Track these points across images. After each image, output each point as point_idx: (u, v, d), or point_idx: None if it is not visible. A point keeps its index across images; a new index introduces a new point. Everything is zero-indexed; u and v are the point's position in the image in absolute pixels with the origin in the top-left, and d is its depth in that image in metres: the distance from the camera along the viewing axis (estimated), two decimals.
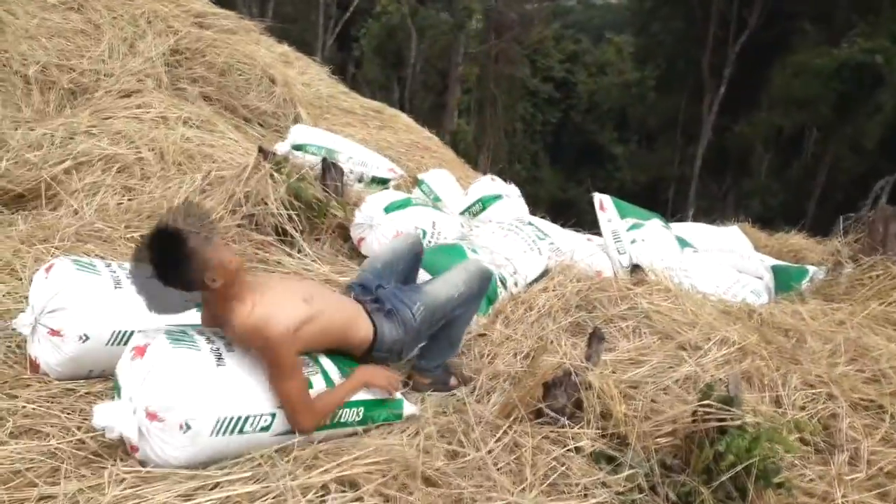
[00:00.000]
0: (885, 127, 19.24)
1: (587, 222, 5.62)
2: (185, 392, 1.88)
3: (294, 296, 2.16)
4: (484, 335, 3.05)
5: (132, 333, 2.24)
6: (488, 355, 2.90)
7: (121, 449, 1.96)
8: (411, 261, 2.80)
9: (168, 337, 2.01)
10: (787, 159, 22.87)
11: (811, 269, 4.65)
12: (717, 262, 4.48)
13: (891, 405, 2.53)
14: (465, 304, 2.60)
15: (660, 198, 23.49)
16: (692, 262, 4.19)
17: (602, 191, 4.53)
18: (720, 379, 2.54)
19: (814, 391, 2.58)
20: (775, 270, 4.83)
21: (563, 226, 4.66)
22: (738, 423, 1.99)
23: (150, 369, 1.92)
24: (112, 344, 2.28)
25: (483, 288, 2.66)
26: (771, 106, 22.53)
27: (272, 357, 1.99)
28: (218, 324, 2.11)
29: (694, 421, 2.08)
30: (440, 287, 2.58)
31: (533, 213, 5.18)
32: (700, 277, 4.06)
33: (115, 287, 2.36)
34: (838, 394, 2.56)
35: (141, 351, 1.98)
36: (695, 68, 23.37)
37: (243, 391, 1.98)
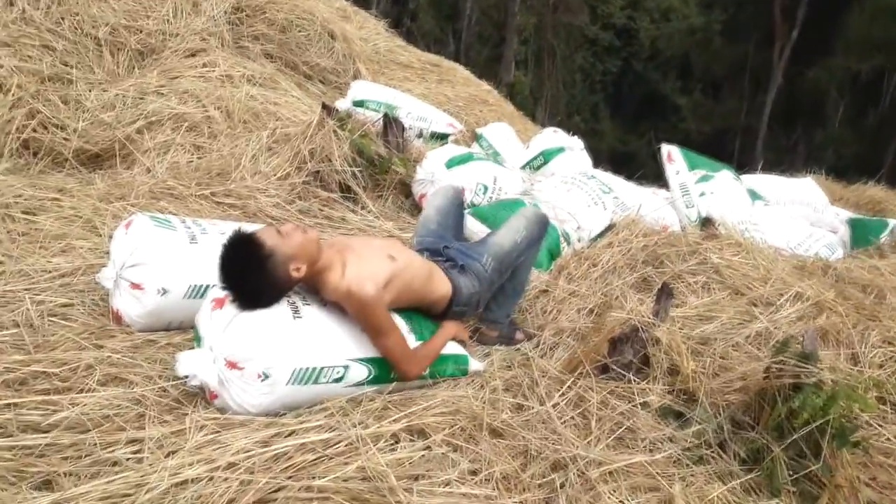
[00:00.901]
0: None
1: (650, 175, 5.48)
2: (263, 343, 1.95)
3: (379, 252, 2.23)
4: (546, 291, 3.04)
5: (208, 287, 2.33)
6: (552, 311, 2.89)
7: (201, 397, 2.05)
8: (458, 214, 2.87)
9: None
10: (864, 107, 21.62)
11: (891, 222, 4.44)
12: (790, 216, 4.33)
13: None
14: (527, 248, 2.65)
15: (726, 149, 22.61)
16: (764, 216, 4.05)
17: (665, 143, 4.41)
18: (794, 335, 2.47)
19: (893, 349, 2.48)
20: (852, 224, 4.62)
21: (626, 179, 4.57)
22: (814, 380, 1.94)
23: (229, 320, 2.00)
24: (189, 297, 2.37)
25: (542, 232, 2.71)
26: (847, 50, 21.22)
27: (368, 317, 2.07)
28: (313, 290, 2.19)
29: (766, 377, 2.03)
30: (503, 236, 2.62)
31: (595, 166, 5.09)
32: (772, 231, 3.92)
33: (191, 242, 2.44)
34: None
35: (221, 302, 2.06)
36: (765, 11, 22.15)
37: (318, 343, 2.04)
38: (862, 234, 4.36)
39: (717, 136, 24.72)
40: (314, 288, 2.15)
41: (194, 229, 2.50)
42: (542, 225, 2.72)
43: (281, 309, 2.05)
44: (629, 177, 4.91)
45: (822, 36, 20.89)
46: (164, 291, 2.34)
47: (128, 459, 1.75)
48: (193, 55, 4.88)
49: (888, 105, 20.88)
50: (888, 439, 2.14)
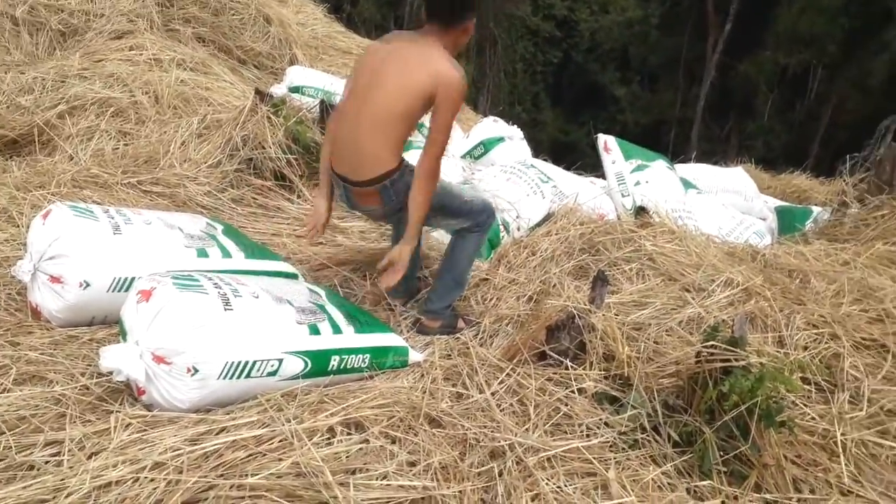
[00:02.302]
0: (891, 65, 18.82)
1: (589, 165, 5.55)
2: (192, 336, 1.88)
3: None
4: (487, 279, 3.04)
5: (133, 280, 2.23)
6: (492, 299, 2.90)
7: (127, 394, 1.96)
8: None
9: (175, 281, 2.00)
10: (791, 99, 22.47)
11: (815, 209, 4.63)
12: (721, 204, 4.45)
13: (894, 345, 2.54)
14: (469, 216, 2.64)
15: (662, 140, 23.18)
16: (696, 204, 4.15)
17: (604, 133, 4.46)
18: (724, 320, 2.54)
19: (817, 331, 2.58)
20: (779, 211, 4.80)
21: (565, 169, 4.60)
22: (743, 363, 1.99)
23: (156, 312, 1.91)
24: (113, 290, 2.27)
25: (487, 221, 2.69)
26: (776, 44, 22.00)
27: (456, 106, 2.35)
28: None
29: (698, 362, 2.08)
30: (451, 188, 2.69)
31: (535, 155, 5.11)
32: (704, 219, 4.03)
33: (115, 233, 2.33)
34: (841, 334, 2.56)
35: (147, 294, 1.97)
36: (699, 6, 22.74)
37: (251, 336, 1.97)
38: (788, 222, 4.53)
39: (654, 126, 25.32)
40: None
41: (118, 219, 2.39)
42: (489, 212, 2.70)
43: (211, 300, 1.97)
44: (569, 166, 4.96)
45: (753, 30, 21.60)
46: (86, 285, 2.23)
47: (46, 463, 1.66)
48: (120, 37, 4.69)
49: (814, 99, 21.76)
50: (812, 418, 2.22)
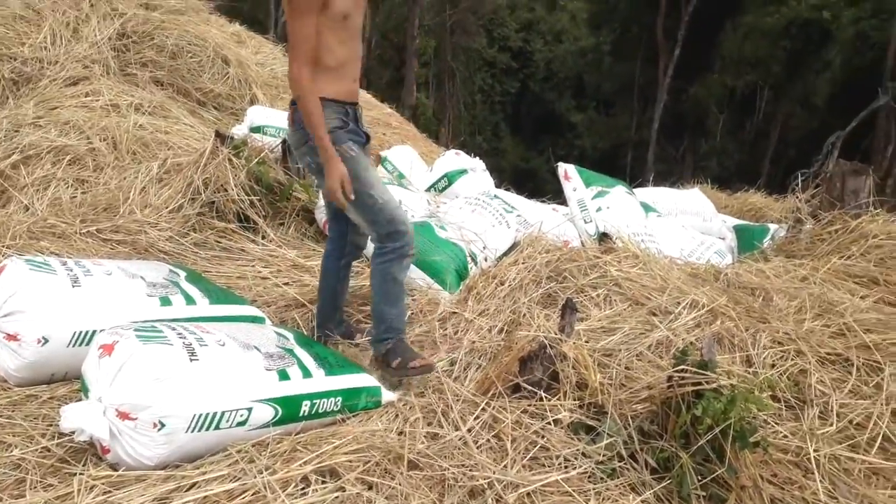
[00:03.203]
0: (833, 83, 19.61)
1: (551, 191, 5.62)
2: (158, 389, 1.82)
3: None
4: (456, 313, 3.03)
5: (94, 333, 2.17)
6: (463, 331, 2.88)
7: (91, 453, 1.89)
8: None
9: (137, 333, 1.95)
10: (741, 120, 23.20)
11: (772, 227, 4.74)
12: (681, 226, 4.53)
13: (857, 358, 2.59)
14: (373, 224, 2.41)
15: (619, 163, 23.65)
16: (657, 227, 4.22)
17: (563, 159, 4.54)
18: (692, 343, 2.56)
19: (783, 348, 2.62)
20: (737, 230, 4.90)
21: (527, 197, 4.65)
22: (714, 386, 2.01)
23: (120, 367, 1.86)
24: (74, 345, 2.20)
25: (397, 250, 2.39)
26: (724, 67, 22.79)
27: (292, 7, 2.18)
28: None
29: (670, 387, 2.09)
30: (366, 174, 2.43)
31: (497, 184, 5.17)
32: (665, 241, 4.10)
33: (73, 285, 2.27)
34: (806, 350, 2.61)
35: (109, 349, 1.91)
36: (649, 32, 23.45)
37: (218, 386, 1.93)
38: (747, 240, 4.62)
39: (612, 150, 25.85)
40: None
41: (77, 271, 2.33)
42: (396, 238, 2.39)
43: (176, 351, 1.93)
44: (532, 194, 5.01)
45: (702, 54, 22.32)
46: (45, 341, 2.16)
47: None
48: (75, 84, 4.63)
49: (762, 118, 22.49)
50: (784, 436, 2.24)
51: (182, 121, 4.67)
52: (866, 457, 2.21)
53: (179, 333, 2.02)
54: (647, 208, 4.58)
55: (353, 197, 2.32)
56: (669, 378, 2.11)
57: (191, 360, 1.93)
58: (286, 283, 3.11)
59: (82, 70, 4.77)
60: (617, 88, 26.91)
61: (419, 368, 2.39)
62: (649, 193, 5.29)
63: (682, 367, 2.07)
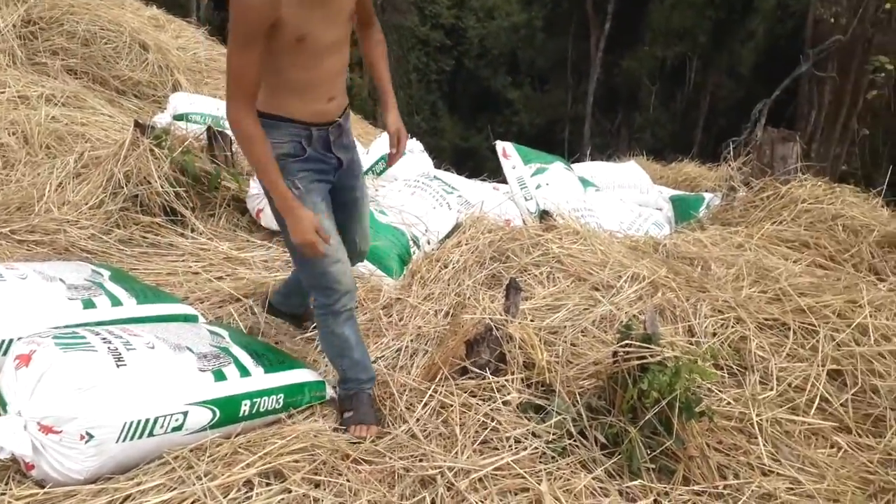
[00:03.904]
0: (757, 53, 20.22)
1: (490, 169, 5.58)
2: (82, 399, 1.70)
3: None
4: (400, 299, 2.97)
5: (9, 343, 2.02)
6: (408, 317, 2.83)
7: (14, 470, 1.77)
8: None
9: (56, 340, 1.82)
10: (673, 91, 23.70)
11: (707, 195, 4.84)
12: (619, 199, 4.58)
13: (793, 322, 2.66)
14: (304, 272, 2.20)
15: (557, 138, 23.88)
16: (596, 202, 4.25)
17: (501, 136, 4.51)
18: (635, 316, 2.58)
19: (723, 317, 2.66)
20: (674, 200, 4.99)
21: (468, 176, 4.61)
22: (658, 359, 2.01)
23: (39, 378, 1.73)
24: None
25: (328, 289, 2.14)
26: (653, 39, 23.17)
27: (234, 16, 1.76)
28: None
29: (615, 362, 2.09)
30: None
31: (437, 164, 5.10)
32: (604, 215, 4.13)
33: None
34: (745, 317, 2.66)
35: (26, 359, 1.78)
36: (579, 7, 23.61)
37: (149, 391, 1.82)
38: (684, 210, 4.71)
39: (549, 126, 26.05)
40: None
41: None
42: (336, 298, 2.15)
43: (100, 357, 1.81)
44: (473, 173, 4.97)
45: (632, 27, 22.64)
46: None
47: None
48: None
49: (692, 89, 23.03)
50: (728, 403, 2.28)
51: (99, 111, 4.41)
52: (805, 418, 2.27)
53: (104, 338, 1.89)
54: (585, 183, 4.61)
55: (331, 244, 2.04)
56: (615, 353, 2.11)
57: (118, 365, 1.81)
58: (220, 278, 2.98)
59: None
60: (551, 64, 27.07)
61: (355, 436, 2.07)
62: (587, 168, 5.33)
63: (626, 341, 2.07)
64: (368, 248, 2.49)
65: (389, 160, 2.37)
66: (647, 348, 2.02)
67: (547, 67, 27.62)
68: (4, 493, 1.67)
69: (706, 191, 5.52)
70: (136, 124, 3.49)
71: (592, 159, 6.94)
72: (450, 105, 28.11)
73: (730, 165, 4.84)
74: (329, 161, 2.12)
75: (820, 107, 11.61)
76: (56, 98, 4.31)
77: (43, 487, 1.70)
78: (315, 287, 2.17)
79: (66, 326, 2.11)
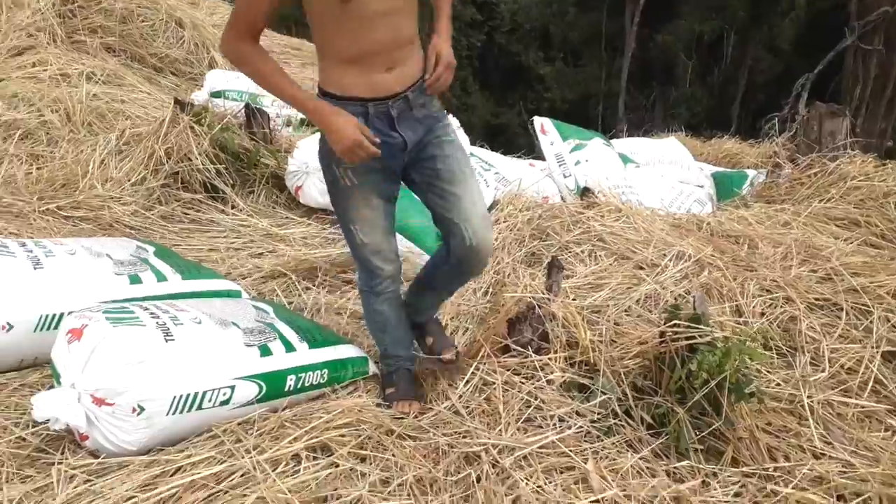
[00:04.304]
0: (798, 26, 19.61)
1: (523, 146, 5.51)
2: (133, 373, 1.73)
3: None
4: None
5: (61, 316, 2.06)
6: None
7: (69, 440, 1.81)
8: None
9: (107, 315, 1.85)
10: (709, 65, 23.15)
11: (751, 172, 4.71)
12: (660, 176, 4.49)
13: (846, 302, 2.58)
14: (351, 251, 2.10)
15: (590, 114, 23.51)
16: (636, 178, 4.17)
17: (533, 112, 4.46)
18: (681, 295, 2.53)
19: (771, 296, 2.60)
20: (716, 177, 4.87)
21: (501, 153, 4.55)
22: (708, 339, 1.97)
23: (91, 351, 1.76)
24: (40, 330, 2.09)
25: (370, 285, 2.10)
26: (689, 13, 22.61)
27: None
28: None
29: (662, 342, 2.05)
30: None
31: (471, 141, 5.05)
32: (645, 192, 4.05)
33: (35, 267, 2.15)
34: (795, 296, 2.59)
35: (78, 333, 1.82)
36: None
37: (197, 365, 1.84)
38: (727, 187, 4.60)
39: (582, 102, 25.64)
40: None
41: (37, 252, 2.20)
42: (369, 274, 2.10)
43: (149, 332, 1.83)
44: (505, 149, 4.91)
45: (668, 1, 22.11)
46: (9, 327, 2.05)
47: None
48: (20, 54, 4.39)
49: (729, 63, 22.48)
50: (777, 384, 2.23)
51: (138, 88, 4.46)
52: (859, 400, 2.21)
53: (152, 313, 1.92)
54: (625, 159, 4.52)
55: (377, 148, 1.80)
56: (662, 333, 2.07)
57: (166, 340, 1.84)
58: (260, 254, 3.00)
59: (27, 39, 4.53)
60: (584, 39, 26.59)
61: (398, 412, 2.05)
62: (626, 144, 5.23)
63: (674, 321, 2.03)
64: (486, 239, 1.98)
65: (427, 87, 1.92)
66: (697, 328, 1.97)
67: (580, 42, 27.12)
68: (61, 463, 1.71)
69: (748, 167, 5.38)
70: (176, 101, 3.51)
71: (629, 135, 6.82)
72: (481, 81, 27.81)
73: (775, 142, 4.70)
74: (393, 141, 1.88)
75: (865, 81, 11.22)
76: (96, 76, 4.36)
77: (97, 458, 1.73)
78: (359, 266, 2.13)
79: (115, 301, 2.15)
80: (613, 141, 4.99)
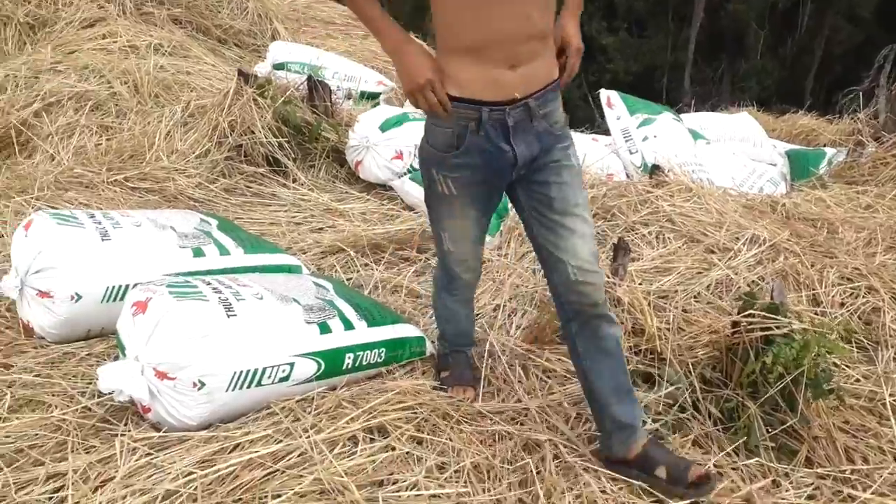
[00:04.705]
0: None
1: (583, 119, 5.34)
2: (196, 347, 1.74)
3: None
4: (497, 253, 2.90)
5: (127, 288, 2.09)
6: (505, 275, 2.76)
7: (132, 412, 1.84)
8: None
9: (171, 289, 1.86)
10: (783, 35, 22.08)
11: (829, 150, 4.45)
12: (731, 153, 4.28)
13: None
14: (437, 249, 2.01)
15: (655, 86, 22.78)
16: (707, 156, 3.99)
17: (595, 84, 4.29)
18: (755, 282, 2.41)
19: (853, 285, 2.45)
20: (791, 155, 4.63)
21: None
22: (785, 331, 1.86)
23: (155, 325, 1.78)
24: (107, 301, 2.13)
25: (450, 275, 1.98)
26: None
27: None
28: None
29: (736, 332, 1.95)
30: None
31: None
32: (716, 171, 3.87)
33: (103, 239, 2.18)
34: (879, 286, 2.43)
35: (142, 306, 1.83)
36: None
37: (258, 341, 1.84)
38: (802, 166, 4.36)
39: (646, 73, 24.85)
40: None
41: (105, 223, 2.23)
42: (443, 271, 2.01)
43: (212, 307, 1.84)
44: (566, 123, 4.75)
45: None
46: (78, 297, 2.08)
47: (49, 500, 1.53)
48: (91, 25, 4.48)
49: (804, 33, 21.38)
50: (857, 380, 2.10)
51: (203, 60, 4.50)
52: None
53: (215, 288, 1.92)
54: (694, 135, 4.33)
55: (448, 108, 1.62)
56: (735, 323, 1.97)
57: (228, 315, 1.84)
58: (320, 229, 3.00)
59: (97, 10, 4.62)
60: (650, 8, 25.70)
61: (455, 396, 2.00)
62: (696, 119, 5.00)
63: (749, 311, 1.92)
64: (592, 277, 1.68)
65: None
66: (773, 319, 1.87)
67: (646, 11, 26.24)
68: (124, 434, 1.74)
69: (825, 145, 5.09)
70: (240, 73, 3.52)
71: (695, 110, 6.54)
72: None
73: (856, 118, 4.43)
74: (503, 153, 1.64)
75: None
76: (163, 48, 4.42)
77: (158, 431, 1.76)
78: (440, 266, 2.02)
79: (178, 275, 2.17)
80: (682, 116, 4.79)
